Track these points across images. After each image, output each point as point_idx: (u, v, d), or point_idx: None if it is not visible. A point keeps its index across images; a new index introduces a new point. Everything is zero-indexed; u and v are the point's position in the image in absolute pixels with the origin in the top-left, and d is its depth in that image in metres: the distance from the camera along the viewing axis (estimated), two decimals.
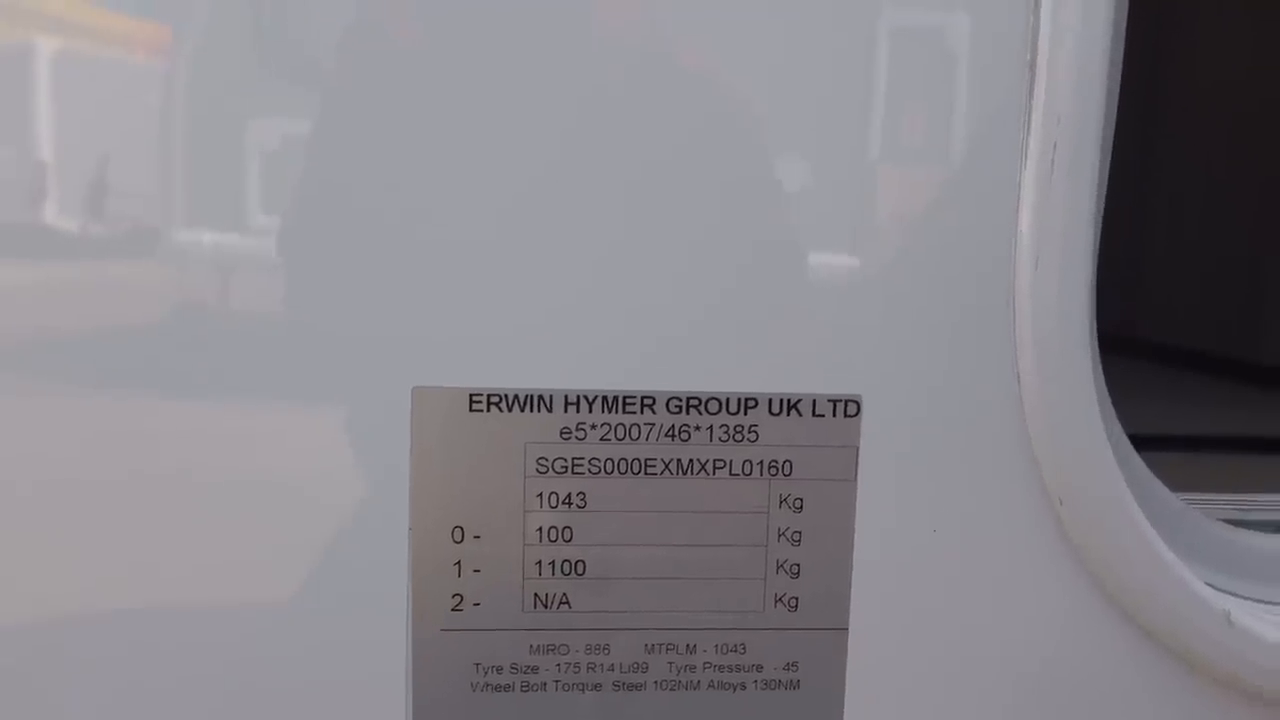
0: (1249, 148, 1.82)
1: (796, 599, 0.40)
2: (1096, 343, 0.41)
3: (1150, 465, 0.44)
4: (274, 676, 0.39)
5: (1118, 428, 0.43)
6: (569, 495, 0.38)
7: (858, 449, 0.39)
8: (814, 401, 0.38)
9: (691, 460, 0.38)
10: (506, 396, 0.38)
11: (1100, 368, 0.41)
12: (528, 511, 0.38)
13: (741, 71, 0.37)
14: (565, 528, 0.39)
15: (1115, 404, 0.42)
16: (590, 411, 0.38)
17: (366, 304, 0.37)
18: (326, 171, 0.36)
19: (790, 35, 0.37)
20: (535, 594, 0.39)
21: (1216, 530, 0.45)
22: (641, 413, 0.38)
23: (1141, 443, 0.45)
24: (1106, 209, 0.39)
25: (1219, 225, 1.97)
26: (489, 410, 0.38)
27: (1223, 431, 1.20)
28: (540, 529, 0.39)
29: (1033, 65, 0.37)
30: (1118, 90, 0.40)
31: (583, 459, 0.38)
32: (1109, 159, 0.40)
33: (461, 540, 0.38)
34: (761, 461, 0.39)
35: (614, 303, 0.37)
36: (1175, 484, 0.45)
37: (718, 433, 0.38)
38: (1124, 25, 0.39)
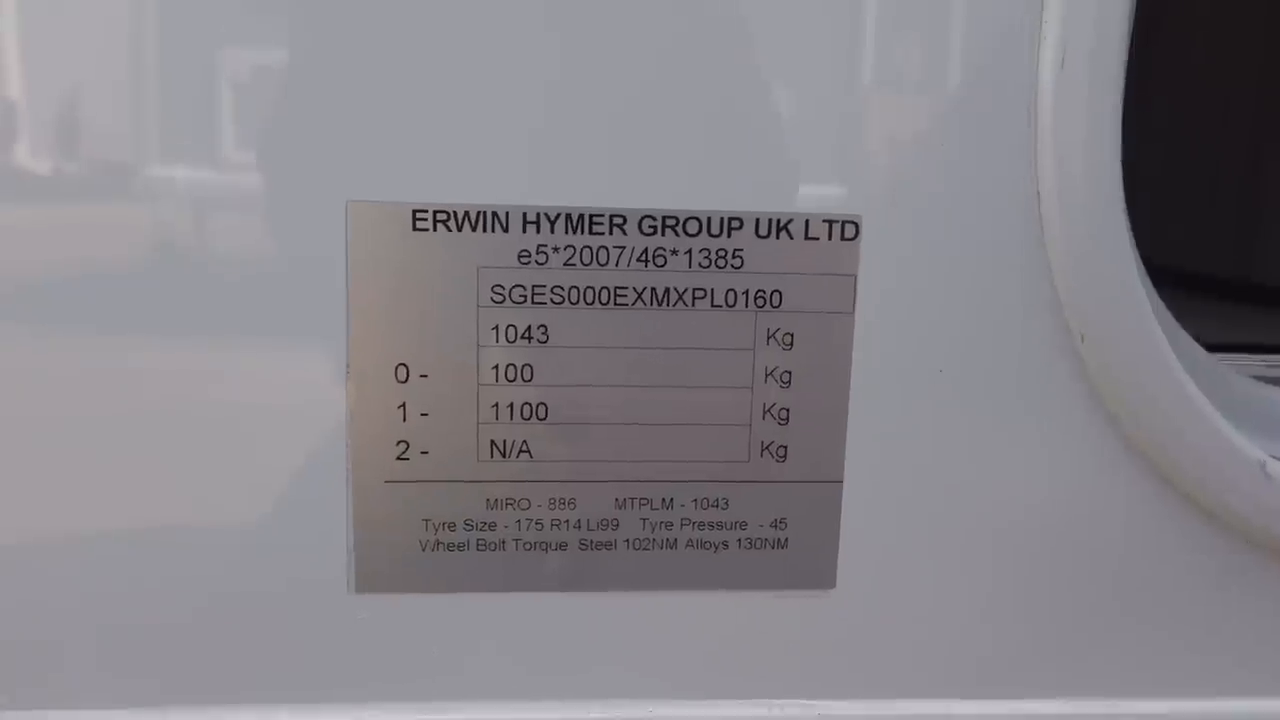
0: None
1: (785, 448, 0.35)
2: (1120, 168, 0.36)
3: None
4: (210, 538, 0.35)
5: (1142, 269, 0.38)
6: (528, 328, 0.34)
7: (856, 277, 0.34)
8: (807, 222, 0.34)
9: (668, 289, 0.34)
10: (456, 213, 0.33)
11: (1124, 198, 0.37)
12: (482, 347, 0.34)
13: None
14: (525, 365, 0.34)
15: None
16: (552, 232, 0.33)
17: (298, 107, 0.32)
18: None
19: None
20: (491, 441, 0.34)
21: (1246, 385, 0.41)
22: (611, 234, 0.33)
23: None
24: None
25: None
26: (436, 229, 0.33)
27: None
28: (496, 367, 0.34)
29: None
30: None
31: (544, 286, 0.33)
32: None
33: (406, 380, 0.34)
34: (747, 290, 0.34)
35: (580, 108, 0.32)
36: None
37: (697, 257, 0.34)
38: None
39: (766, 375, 0.35)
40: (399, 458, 0.34)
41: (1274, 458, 0.40)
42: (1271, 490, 0.36)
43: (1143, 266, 0.38)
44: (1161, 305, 0.39)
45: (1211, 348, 0.41)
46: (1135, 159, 0.35)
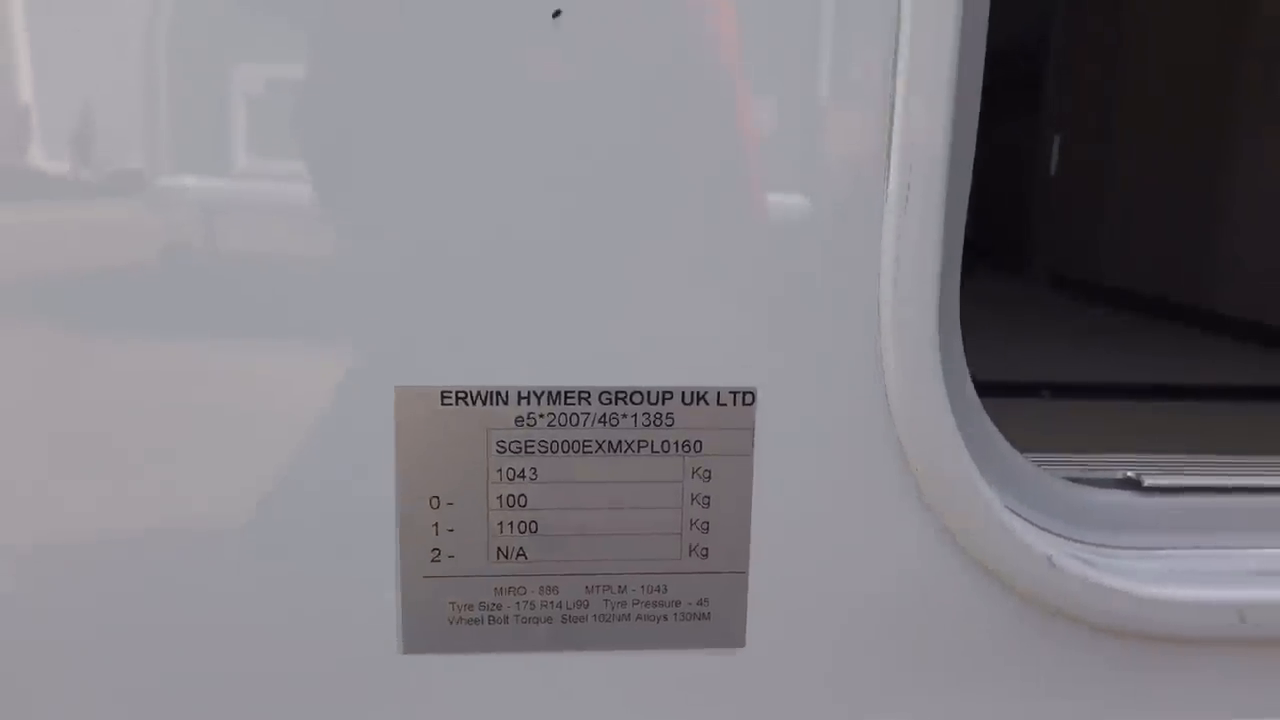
0: None
1: (707, 549, 0.50)
2: (961, 345, 0.51)
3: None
4: (288, 615, 0.49)
5: (978, 410, 0.53)
6: (523, 470, 0.48)
7: (753, 430, 0.49)
8: (718, 393, 0.48)
9: (620, 441, 0.48)
10: (471, 393, 0.47)
11: (965, 367, 0.51)
12: (490, 483, 0.48)
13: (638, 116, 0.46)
14: (521, 495, 0.48)
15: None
16: (539, 404, 0.48)
17: (358, 318, 0.46)
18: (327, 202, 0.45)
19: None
20: (498, 548, 0.49)
21: (1057, 486, 0.55)
22: (579, 404, 0.48)
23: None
24: None
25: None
26: (457, 404, 0.47)
27: None
28: (500, 496, 0.48)
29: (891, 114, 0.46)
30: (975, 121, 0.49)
31: (534, 441, 0.48)
32: (966, 186, 0.49)
33: (438, 507, 0.48)
34: (677, 441, 0.48)
35: (556, 319, 0.47)
36: None
37: (640, 419, 0.48)
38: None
39: (692, 499, 0.49)
40: (433, 560, 0.49)
41: (1078, 541, 0.55)
42: (1059, 578, 0.51)
43: (982, 412, 0.53)
44: (998, 436, 0.54)
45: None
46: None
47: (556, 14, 0.44)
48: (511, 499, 0.49)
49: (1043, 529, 0.53)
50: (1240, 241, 1.84)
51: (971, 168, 0.50)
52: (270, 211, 0.46)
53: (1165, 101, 2.04)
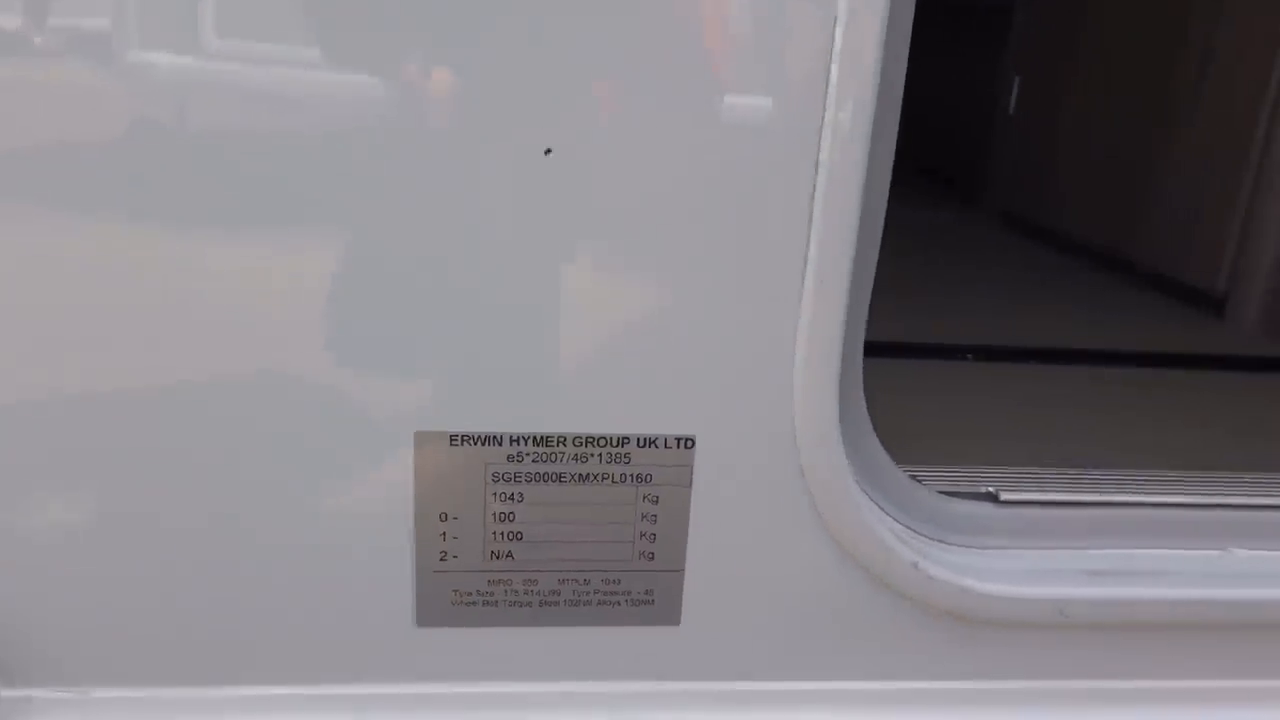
0: None
1: (653, 553, 0.65)
2: (861, 393, 0.65)
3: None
4: (328, 596, 0.64)
5: (869, 432, 0.67)
6: (513, 494, 0.62)
7: (692, 467, 0.63)
8: (665, 439, 0.62)
9: (589, 474, 0.62)
10: (473, 436, 0.61)
11: (862, 405, 0.65)
12: (487, 503, 0.62)
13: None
14: (510, 513, 0.63)
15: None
16: (525, 445, 0.61)
17: (388, 377, 0.59)
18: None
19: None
20: (491, 551, 0.63)
21: (929, 499, 0.71)
22: (557, 446, 0.62)
23: None
24: None
25: None
26: (462, 445, 0.61)
27: None
28: (495, 513, 0.63)
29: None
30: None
31: (522, 473, 0.62)
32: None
33: (445, 520, 0.62)
34: (633, 474, 0.63)
35: (540, 379, 0.60)
36: None
37: (604, 457, 0.62)
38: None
39: (642, 517, 0.64)
40: (440, 559, 0.63)
41: (942, 542, 0.70)
42: (923, 580, 0.66)
43: (873, 436, 0.67)
44: (883, 455, 0.68)
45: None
46: None
47: (548, 152, 0.56)
48: (503, 515, 0.63)
49: (916, 533, 0.68)
50: (1162, 196, 1.97)
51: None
52: (310, 299, 0.58)
53: (1116, 55, 2.14)
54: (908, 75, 0.60)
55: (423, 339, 0.59)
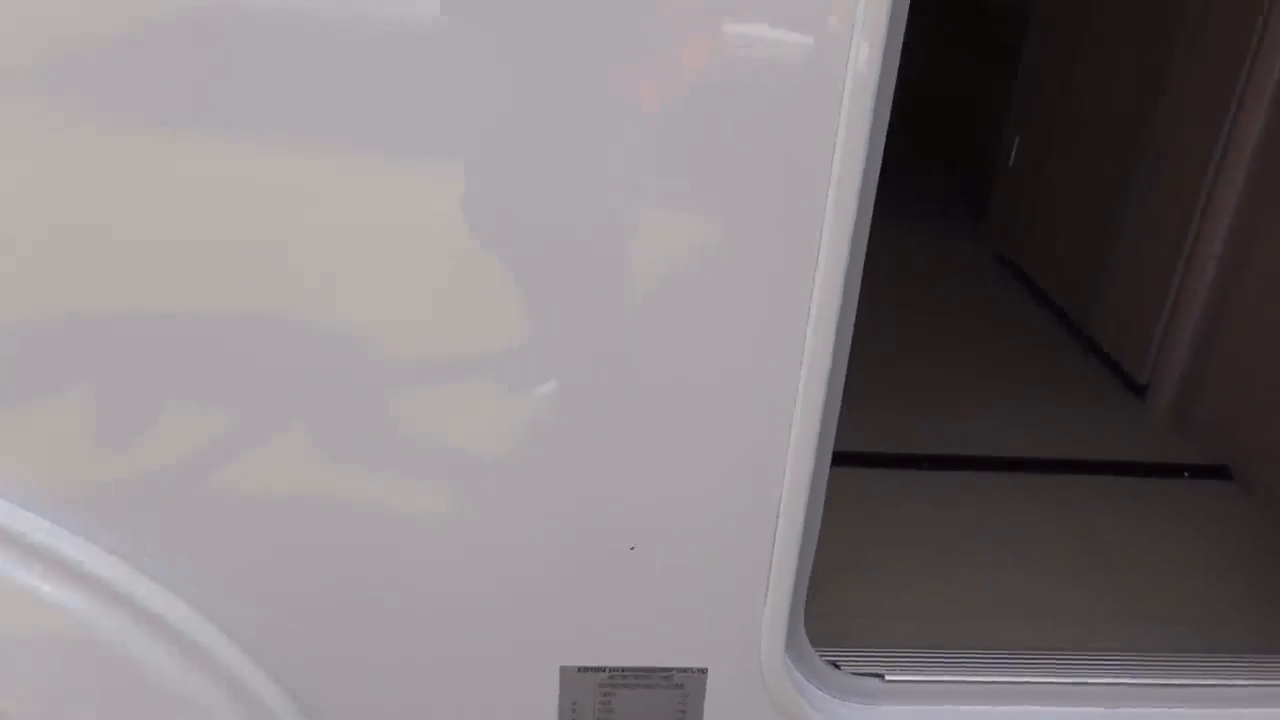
0: None
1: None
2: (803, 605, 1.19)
3: None
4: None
5: (802, 639, 1.21)
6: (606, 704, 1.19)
7: (705, 689, 1.18)
8: (686, 669, 1.17)
9: (648, 685, 1.18)
10: (591, 668, 1.17)
11: (801, 626, 1.20)
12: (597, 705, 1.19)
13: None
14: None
15: None
16: (610, 675, 1.17)
17: (529, 618, 1.15)
18: None
19: None
20: None
21: (835, 676, 1.25)
22: (622, 675, 1.17)
23: None
24: None
25: None
26: (584, 674, 1.17)
27: None
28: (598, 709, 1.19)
29: None
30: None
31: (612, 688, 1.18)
32: None
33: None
34: (668, 688, 1.18)
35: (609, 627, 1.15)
36: None
37: (642, 679, 1.18)
38: None
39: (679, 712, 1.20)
40: None
41: (845, 703, 1.25)
42: None
43: (809, 649, 1.22)
44: (804, 640, 1.23)
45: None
46: None
47: (631, 549, 1.09)
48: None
49: (828, 697, 1.23)
50: (1117, 266, 2.38)
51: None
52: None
53: (1095, 126, 2.52)
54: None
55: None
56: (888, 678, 1.27)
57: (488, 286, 0.90)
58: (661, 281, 0.92)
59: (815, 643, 1.23)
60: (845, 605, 1.49)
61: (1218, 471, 1.97)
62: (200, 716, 1.03)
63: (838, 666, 1.26)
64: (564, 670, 1.16)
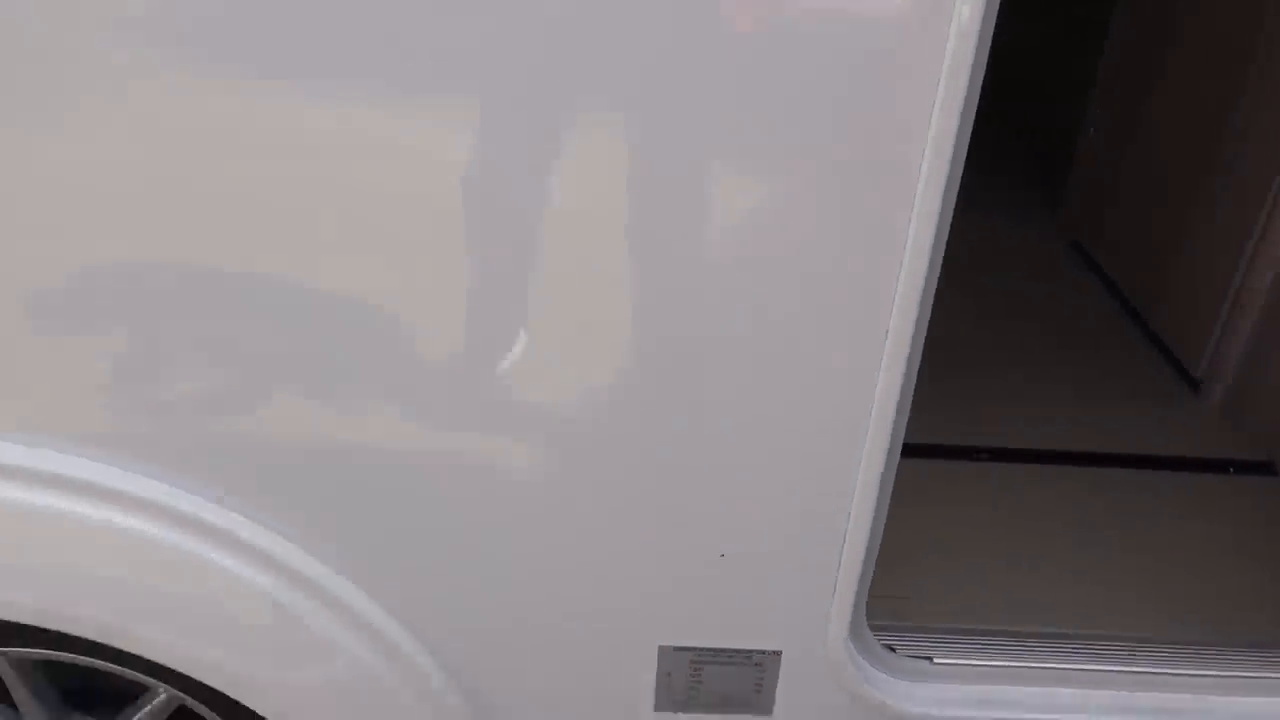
0: None
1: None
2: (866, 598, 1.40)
3: None
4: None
5: (863, 626, 1.43)
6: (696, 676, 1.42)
7: (779, 669, 1.40)
8: (764, 650, 1.40)
9: (729, 663, 1.41)
10: (684, 648, 1.40)
11: (864, 609, 1.41)
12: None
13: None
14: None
15: None
16: (699, 654, 1.40)
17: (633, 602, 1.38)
18: None
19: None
20: None
21: (893, 658, 1.46)
22: (711, 654, 1.40)
23: None
24: None
25: None
26: (678, 652, 1.40)
27: None
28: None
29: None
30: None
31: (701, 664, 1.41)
32: None
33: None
34: (748, 666, 1.41)
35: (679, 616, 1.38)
36: None
37: (726, 658, 1.40)
38: None
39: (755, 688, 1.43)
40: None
41: (899, 683, 1.47)
42: (881, 707, 1.43)
43: (876, 643, 1.43)
44: (865, 629, 1.44)
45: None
46: None
47: (722, 556, 1.31)
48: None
49: (885, 677, 1.45)
50: (1184, 261, 2.48)
51: None
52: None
53: (1171, 122, 2.59)
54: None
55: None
56: (935, 660, 1.48)
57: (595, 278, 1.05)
58: (745, 265, 1.01)
59: (873, 628, 1.44)
60: (901, 591, 1.69)
61: (1263, 467, 2.10)
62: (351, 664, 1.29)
63: (893, 650, 1.47)
64: (661, 649, 1.39)
